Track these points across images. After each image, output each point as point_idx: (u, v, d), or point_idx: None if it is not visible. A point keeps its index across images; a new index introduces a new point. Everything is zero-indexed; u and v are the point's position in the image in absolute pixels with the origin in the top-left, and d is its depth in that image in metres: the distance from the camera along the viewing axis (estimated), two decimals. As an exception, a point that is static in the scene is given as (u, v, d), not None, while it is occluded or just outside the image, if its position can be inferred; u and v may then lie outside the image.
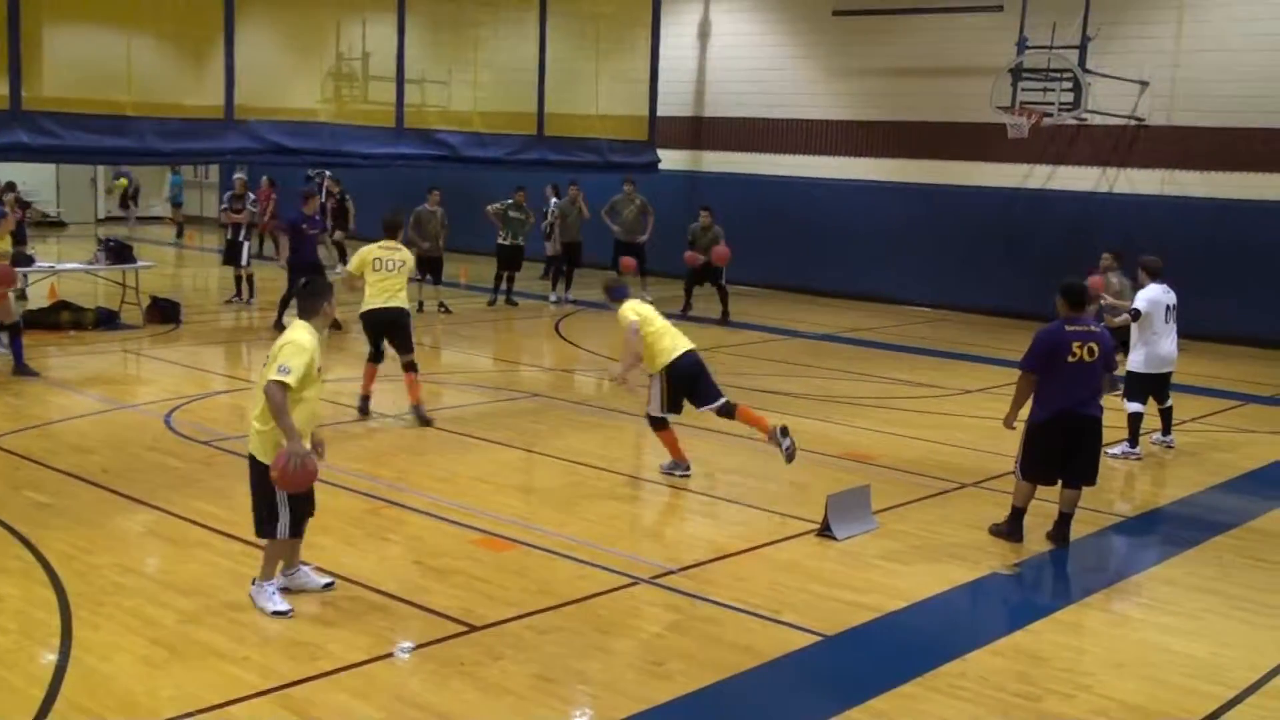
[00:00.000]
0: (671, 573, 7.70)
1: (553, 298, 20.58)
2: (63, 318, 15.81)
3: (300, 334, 6.75)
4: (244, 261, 18.68)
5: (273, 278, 19.63)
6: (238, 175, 19.87)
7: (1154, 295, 11.33)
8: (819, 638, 6.79)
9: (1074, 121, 18.88)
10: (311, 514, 7.04)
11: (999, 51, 18.88)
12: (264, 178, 26.08)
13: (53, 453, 9.95)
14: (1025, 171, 20.53)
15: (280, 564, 6.96)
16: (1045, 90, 18.40)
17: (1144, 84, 19.07)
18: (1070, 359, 8.20)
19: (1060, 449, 8.38)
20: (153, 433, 10.83)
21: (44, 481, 9.17)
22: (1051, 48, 18.17)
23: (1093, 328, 8.40)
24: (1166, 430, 11.74)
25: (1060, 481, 8.57)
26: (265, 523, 6.81)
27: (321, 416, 6.98)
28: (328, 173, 24.32)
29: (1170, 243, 18.86)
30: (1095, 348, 8.28)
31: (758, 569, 7.85)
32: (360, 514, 8.67)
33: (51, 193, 32.89)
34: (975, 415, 12.94)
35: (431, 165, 18.59)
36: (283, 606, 6.75)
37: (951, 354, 16.85)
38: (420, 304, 18.64)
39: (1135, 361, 11.29)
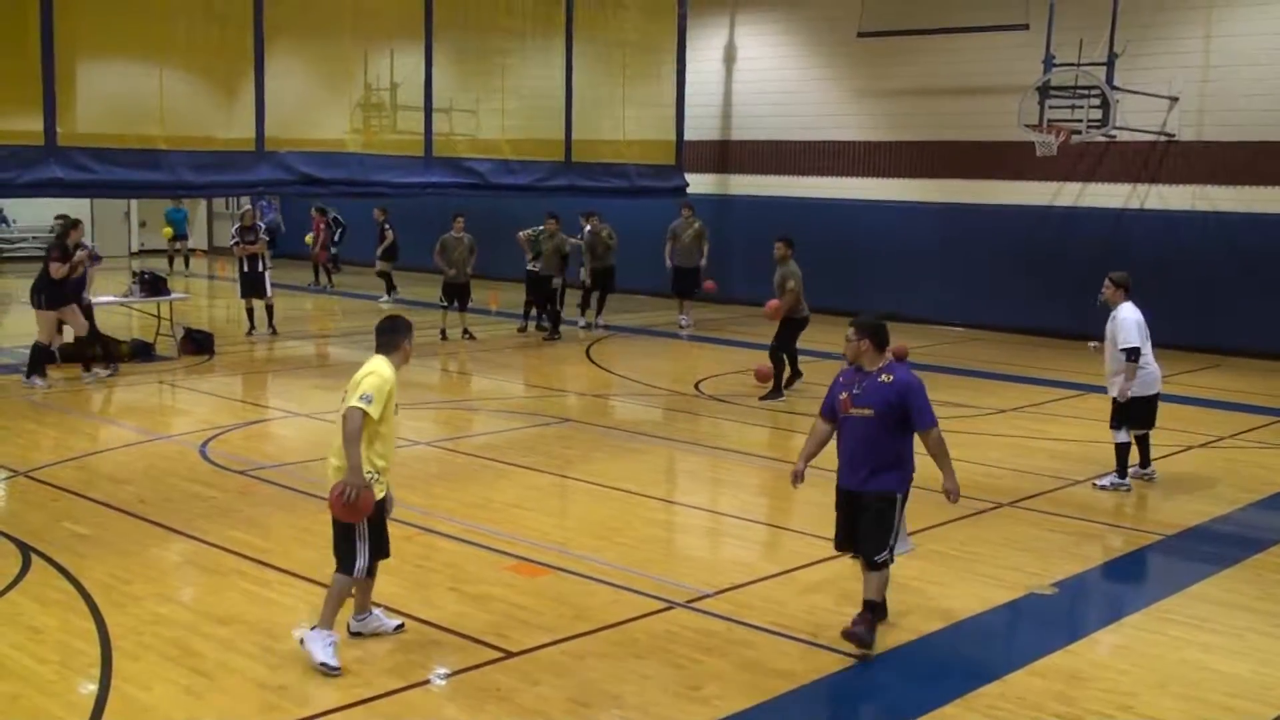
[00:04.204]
0: (707, 596, 7.68)
1: (582, 323, 20.61)
2: (99, 350, 15.90)
3: (382, 365, 6.64)
4: (268, 292, 18.76)
5: (291, 307, 19.70)
6: (245, 208, 19.97)
7: (1136, 317, 10.38)
8: (856, 660, 6.75)
9: (1103, 138, 18.80)
10: (385, 555, 6.93)
11: (1026, 69, 18.83)
12: (313, 208, 26.34)
13: (90, 484, 10.04)
14: (1054, 189, 20.45)
15: (340, 612, 6.71)
16: (1073, 107, 18.33)
17: (1173, 99, 18.97)
18: None
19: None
20: (188, 463, 10.91)
21: (82, 513, 9.24)
22: (1079, 65, 18.12)
23: None
24: (1145, 462, 10.82)
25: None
26: (344, 559, 6.67)
27: (394, 458, 6.85)
28: (329, 211, 24.66)
29: (1202, 258, 18.87)
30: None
31: (793, 592, 7.82)
32: (393, 540, 8.65)
33: (86, 227, 33.24)
34: (1009, 434, 12.87)
35: (461, 193, 18.71)
36: (333, 662, 6.40)
37: (984, 373, 16.77)
38: (443, 331, 18.72)
39: (1131, 388, 10.37)
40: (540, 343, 19.03)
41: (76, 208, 31.56)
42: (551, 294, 19.22)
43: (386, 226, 23.80)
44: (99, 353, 15.11)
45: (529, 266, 19.77)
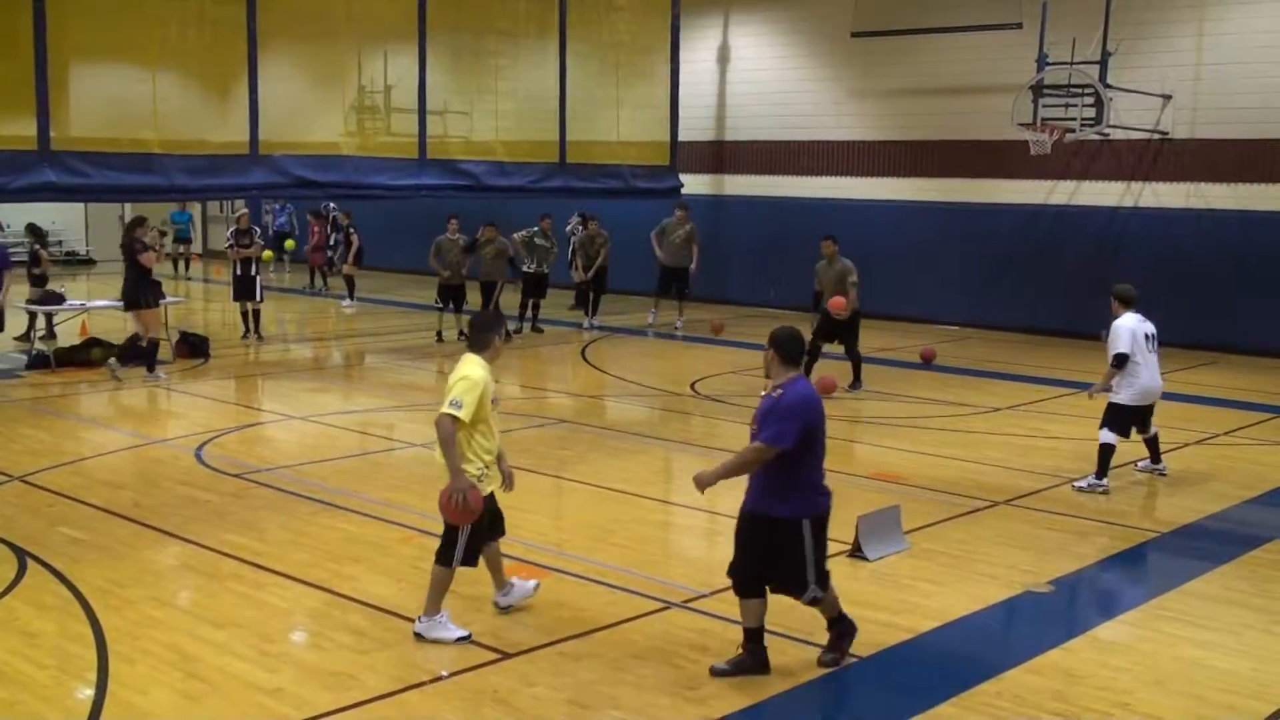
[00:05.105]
0: (703, 596, 7.68)
1: (586, 324, 20.67)
2: (94, 354, 15.93)
3: (472, 368, 6.77)
4: (259, 296, 18.77)
5: (286, 311, 19.67)
6: (241, 211, 19.99)
7: (1131, 325, 10.47)
8: (853, 659, 6.75)
9: (1096, 137, 18.83)
10: (502, 534, 7.22)
11: (1019, 69, 18.86)
12: (309, 212, 26.37)
13: (85, 488, 10.02)
14: (1049, 188, 20.48)
15: (444, 597, 6.95)
16: (1067, 106, 18.36)
17: (1166, 97, 19.00)
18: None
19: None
20: (184, 467, 10.90)
21: (77, 517, 9.23)
22: (1072, 63, 18.15)
23: None
24: (1156, 459, 11.01)
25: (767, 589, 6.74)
26: (443, 552, 6.89)
27: (499, 450, 7.02)
28: (333, 205, 24.61)
29: (1197, 256, 18.91)
30: None
31: (790, 591, 7.81)
32: (392, 543, 8.70)
33: (81, 231, 33.25)
34: (1005, 433, 12.88)
35: (455, 195, 18.71)
36: (461, 632, 6.84)
37: (979, 372, 16.78)
38: (439, 334, 18.72)
39: (1121, 395, 10.46)
40: (536, 344, 19.02)
41: (72, 212, 31.78)
42: (493, 297, 18.81)
43: (352, 231, 23.83)
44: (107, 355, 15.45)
45: (524, 268, 19.79)
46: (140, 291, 14.99)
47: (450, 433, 6.58)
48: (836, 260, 14.75)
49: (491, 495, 6.97)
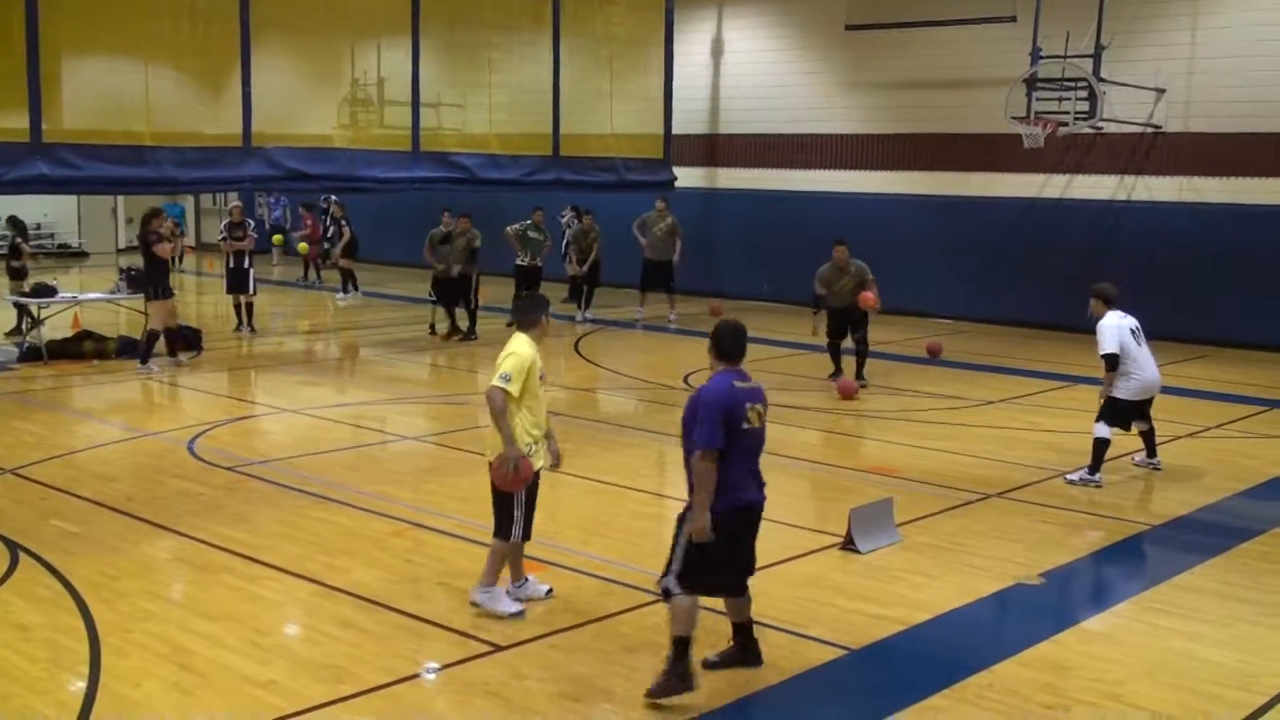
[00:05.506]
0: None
1: (579, 317, 20.68)
2: (86, 347, 15.91)
3: (520, 345, 7.03)
4: (252, 289, 18.73)
5: (280, 303, 19.66)
6: (234, 203, 19.97)
7: (1115, 324, 10.41)
8: (844, 652, 6.77)
9: (1090, 130, 18.84)
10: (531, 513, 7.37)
11: (1013, 62, 18.86)
12: (301, 205, 26.32)
13: (78, 481, 10.01)
14: (1042, 181, 20.50)
15: (502, 571, 7.24)
16: (1060, 100, 18.37)
17: (1160, 91, 19.02)
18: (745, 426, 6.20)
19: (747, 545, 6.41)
20: (176, 459, 10.89)
21: (70, 510, 9.23)
22: (1066, 57, 18.15)
23: (753, 384, 6.42)
24: (1151, 452, 10.99)
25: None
26: (502, 526, 7.13)
27: (548, 428, 7.25)
28: (334, 197, 24.53)
29: (1190, 249, 18.94)
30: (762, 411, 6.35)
31: (781, 584, 7.82)
32: (384, 536, 8.70)
33: (73, 223, 33.19)
34: (997, 426, 12.91)
35: (448, 188, 18.68)
36: (516, 608, 7.08)
37: (972, 365, 16.81)
38: (433, 326, 18.69)
39: (1120, 391, 10.44)
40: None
41: (64, 204, 31.73)
42: (466, 291, 18.35)
43: (344, 222, 23.79)
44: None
45: (518, 260, 19.77)
46: (152, 282, 15.26)
47: (501, 405, 6.83)
48: (850, 264, 14.61)
49: (537, 474, 7.15)
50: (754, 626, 6.54)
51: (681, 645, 6.11)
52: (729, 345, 6.33)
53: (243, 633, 6.84)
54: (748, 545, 6.38)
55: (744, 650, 6.50)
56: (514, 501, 7.08)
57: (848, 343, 14.95)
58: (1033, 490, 10.31)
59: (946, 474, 10.77)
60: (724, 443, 6.05)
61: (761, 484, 6.34)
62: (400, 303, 22.87)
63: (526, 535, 7.23)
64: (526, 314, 7.27)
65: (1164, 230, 19.15)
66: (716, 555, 6.16)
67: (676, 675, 6.05)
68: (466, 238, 18.30)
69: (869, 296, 14.49)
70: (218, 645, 6.67)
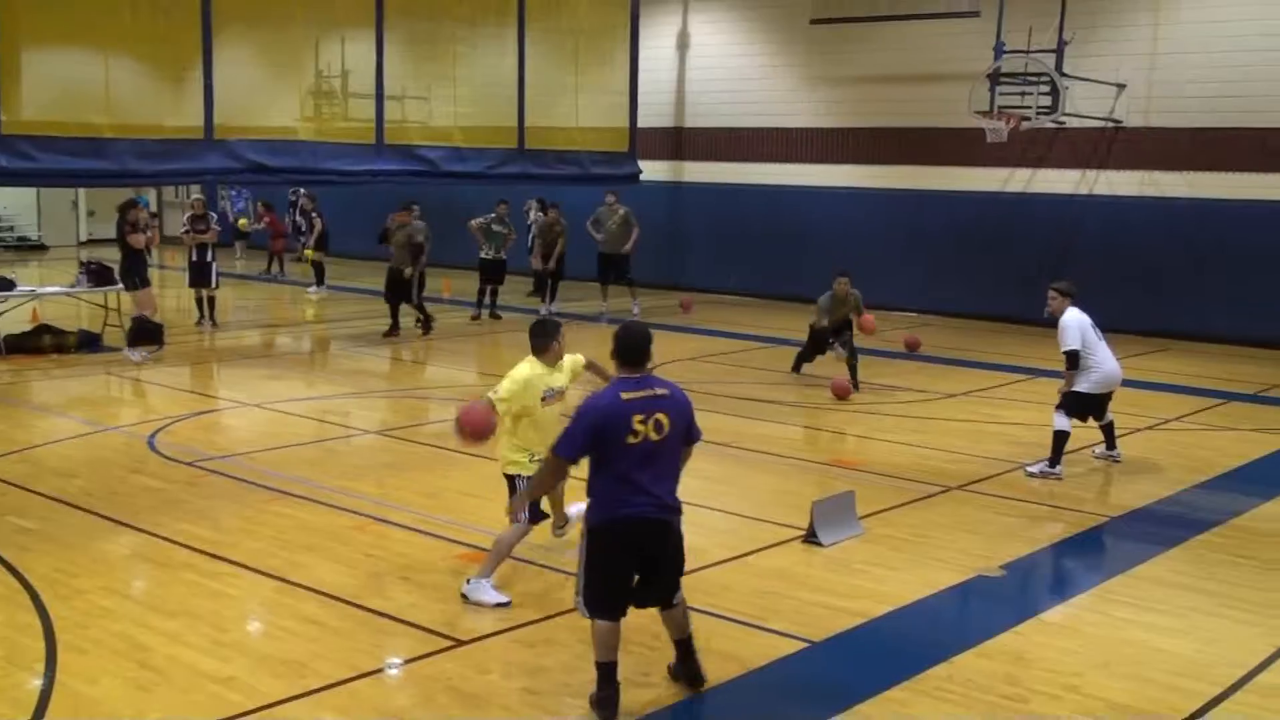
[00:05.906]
0: (658, 583, 7.68)
1: (543, 311, 20.61)
2: (45, 341, 15.75)
3: (520, 370, 7.41)
4: (214, 283, 18.60)
5: (243, 297, 19.48)
6: (196, 196, 19.79)
7: (1077, 319, 10.47)
8: (805, 644, 6.79)
9: (1052, 125, 18.98)
10: (545, 517, 7.78)
11: (976, 57, 18.96)
12: (260, 200, 26.00)
13: (35, 477, 9.91)
14: (1005, 176, 20.61)
15: (495, 566, 7.39)
16: (1023, 94, 18.50)
17: (1121, 86, 19.17)
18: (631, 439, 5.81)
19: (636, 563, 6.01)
20: (136, 455, 10.80)
21: (27, 506, 9.12)
22: (1028, 52, 18.26)
23: (659, 391, 5.94)
24: (1111, 445, 11.07)
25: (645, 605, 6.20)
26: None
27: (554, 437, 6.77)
28: (304, 190, 24.33)
29: (1150, 243, 19.10)
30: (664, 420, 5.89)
31: (743, 577, 7.85)
32: (345, 530, 8.66)
33: (33, 216, 32.83)
34: (959, 419, 12.98)
35: (412, 181, 18.60)
36: (502, 598, 7.21)
37: (935, 358, 16.88)
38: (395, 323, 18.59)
39: (1081, 384, 10.48)
40: (494, 330, 18.96)
41: (24, 196, 31.36)
42: (407, 286, 18.09)
43: (315, 215, 23.64)
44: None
45: (482, 254, 19.72)
46: (132, 272, 15.46)
47: (489, 403, 7.32)
48: (849, 295, 14.61)
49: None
50: (693, 642, 6.19)
51: (602, 670, 5.86)
52: (625, 351, 5.97)
53: (202, 629, 6.80)
54: (631, 563, 5.94)
55: (683, 666, 6.18)
56: (513, 486, 7.43)
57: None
58: (994, 483, 10.38)
59: (909, 467, 10.82)
60: (582, 454, 5.85)
61: (658, 497, 5.90)
62: (364, 296, 22.75)
63: (535, 517, 7.51)
64: (537, 338, 7.47)
65: (1125, 224, 19.31)
66: (595, 572, 5.92)
67: (595, 702, 5.86)
68: (405, 232, 18.00)
69: (870, 321, 14.81)
70: (177, 642, 6.62)
